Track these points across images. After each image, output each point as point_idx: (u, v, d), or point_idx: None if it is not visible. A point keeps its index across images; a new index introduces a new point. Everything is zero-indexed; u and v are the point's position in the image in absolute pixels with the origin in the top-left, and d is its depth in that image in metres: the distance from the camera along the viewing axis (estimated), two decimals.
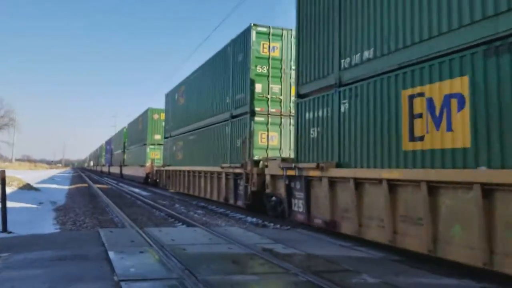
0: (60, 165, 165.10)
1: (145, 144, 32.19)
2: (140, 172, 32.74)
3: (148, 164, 30.27)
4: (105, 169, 67.02)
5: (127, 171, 41.35)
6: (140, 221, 11.96)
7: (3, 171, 9.56)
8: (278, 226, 10.87)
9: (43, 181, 34.81)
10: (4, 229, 8.93)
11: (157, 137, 31.16)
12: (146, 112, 33.24)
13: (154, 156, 30.66)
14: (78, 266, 5.29)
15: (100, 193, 22.16)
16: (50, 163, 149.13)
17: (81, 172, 75.22)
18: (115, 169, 52.94)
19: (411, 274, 5.49)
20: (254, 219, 12.30)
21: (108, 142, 66.43)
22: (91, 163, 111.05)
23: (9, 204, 9.80)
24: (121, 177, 44.94)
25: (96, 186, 29.24)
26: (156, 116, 31.98)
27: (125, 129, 46.76)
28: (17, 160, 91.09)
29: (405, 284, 4.90)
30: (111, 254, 5.97)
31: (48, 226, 11.14)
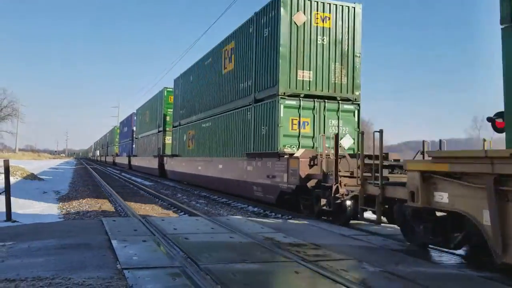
0: (63, 155, 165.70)
1: (274, 96, 12.12)
2: (275, 178, 11.80)
3: (304, 154, 10.59)
4: (122, 161, 47.78)
5: (181, 166, 22.45)
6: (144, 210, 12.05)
7: (7, 161, 9.64)
8: (279, 215, 10.93)
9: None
10: (9, 218, 9.03)
11: (304, 74, 12.15)
12: (274, 3, 12.48)
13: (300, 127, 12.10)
14: (82, 254, 5.36)
15: None
16: (54, 153, 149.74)
17: (86, 164, 59.57)
18: (141, 162, 34.19)
19: (410, 263, 5.54)
20: (256, 209, 12.37)
21: (126, 123, 47.59)
22: (97, 153, 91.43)
23: (13, 193, 9.88)
24: (160, 176, 26.86)
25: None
26: (301, 18, 12.17)
27: (165, 92, 28.08)
28: (20, 150, 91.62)
29: (405, 273, 4.94)
30: (114, 242, 6.04)
31: (52, 215, 11.25)
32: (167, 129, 27.51)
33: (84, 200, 14.42)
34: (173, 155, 24.29)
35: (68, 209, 12.34)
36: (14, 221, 8.95)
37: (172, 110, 26.00)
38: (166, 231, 7.10)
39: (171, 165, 24.65)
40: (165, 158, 26.26)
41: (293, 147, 11.68)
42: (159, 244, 6.07)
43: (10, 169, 10.17)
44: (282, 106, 11.77)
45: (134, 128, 40.40)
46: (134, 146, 40.15)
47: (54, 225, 8.18)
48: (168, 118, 27.51)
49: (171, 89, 26.93)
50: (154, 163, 28.58)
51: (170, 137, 26.01)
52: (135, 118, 40.35)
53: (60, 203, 13.88)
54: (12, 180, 15.79)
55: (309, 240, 6.73)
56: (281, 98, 11.72)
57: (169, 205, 13.33)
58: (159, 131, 28.88)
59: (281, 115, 11.75)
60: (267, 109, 12.55)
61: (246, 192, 13.65)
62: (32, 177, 23.69)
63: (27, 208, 12.00)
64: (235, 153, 14.89)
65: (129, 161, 41.32)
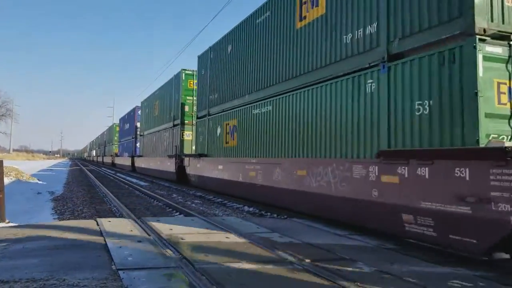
0: (58, 155, 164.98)
1: (455, 39, 6.29)
2: None
3: None
4: (122, 162, 42.98)
5: (215, 171, 15.93)
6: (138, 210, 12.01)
7: (1, 161, 9.57)
8: (275, 215, 10.93)
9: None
10: (3, 219, 8.96)
11: None
12: None
13: None
14: (76, 255, 5.33)
15: None
16: (48, 154, 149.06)
17: (81, 165, 55.19)
18: (150, 163, 28.52)
19: (406, 262, 5.55)
20: (251, 209, 12.36)
21: (127, 118, 42.28)
22: (93, 153, 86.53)
23: (7, 194, 9.81)
24: (178, 181, 21.12)
25: None
26: None
27: (183, 75, 22.43)
28: (14, 150, 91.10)
29: (400, 273, 4.95)
30: (109, 243, 6.01)
31: (47, 216, 11.18)
32: (186, 121, 22.18)
33: (79, 201, 14.35)
34: (199, 155, 17.84)
35: (63, 210, 12.27)
36: (8, 222, 8.89)
37: (192, 98, 21.31)
38: (162, 231, 7.08)
39: (197, 168, 18.20)
40: (186, 159, 20.03)
41: (503, 137, 6.05)
42: (155, 245, 6.05)
43: (4, 169, 10.10)
44: (480, 57, 5.98)
45: (138, 124, 34.81)
46: (138, 144, 34.86)
47: (49, 226, 8.12)
48: (187, 109, 22.24)
49: (191, 72, 21.96)
50: (169, 165, 22.69)
51: (190, 132, 21.50)
52: (139, 112, 34.69)
53: (55, 203, 13.81)
54: (6, 180, 15.69)
55: (305, 240, 6.73)
56: (479, 39, 5.95)
57: (164, 205, 13.30)
58: (174, 125, 23.22)
59: (480, 74, 5.94)
60: (429, 67, 6.60)
61: (380, 223, 7.27)
62: (27, 177, 23.56)
63: (21, 208, 11.93)
64: (339, 152, 8.69)
65: (132, 162, 35.81)
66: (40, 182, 22.88)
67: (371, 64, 7.90)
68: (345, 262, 5.38)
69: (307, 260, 5.33)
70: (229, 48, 15.46)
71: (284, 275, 4.75)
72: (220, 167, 15.45)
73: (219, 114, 16.17)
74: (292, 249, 6.03)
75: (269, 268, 5.02)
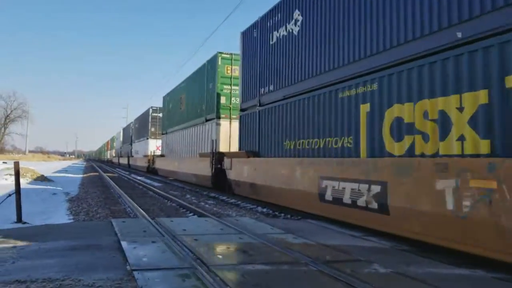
0: (73, 156, 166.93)
1: None
2: None
3: None
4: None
5: None
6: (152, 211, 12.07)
7: (17, 163, 9.70)
8: (288, 216, 10.89)
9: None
10: (19, 220, 9.09)
11: None
12: None
13: None
14: (91, 255, 5.37)
15: None
16: (63, 155, 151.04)
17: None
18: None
19: (422, 264, 5.47)
20: (265, 209, 12.34)
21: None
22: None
23: (23, 195, 9.95)
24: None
25: None
26: None
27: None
28: (30, 151, 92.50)
29: (416, 274, 4.88)
30: (123, 244, 6.05)
31: (62, 216, 11.29)
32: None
33: (93, 202, 14.48)
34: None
35: (78, 210, 12.39)
36: (25, 223, 9.00)
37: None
38: (176, 232, 7.10)
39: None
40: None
41: None
42: (169, 245, 6.07)
43: (21, 170, 10.24)
44: None
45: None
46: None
47: (64, 227, 8.22)
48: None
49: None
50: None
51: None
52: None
53: (70, 204, 13.95)
54: (23, 181, 15.92)
55: (319, 241, 6.68)
56: None
57: (178, 206, 13.35)
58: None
59: None
60: None
61: None
62: (42, 178, 23.86)
63: (37, 209, 12.07)
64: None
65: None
66: (56, 183, 23.14)
67: None
68: (360, 264, 5.32)
69: (322, 261, 5.29)
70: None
71: (299, 277, 4.71)
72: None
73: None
74: (307, 250, 6.00)
75: (283, 269, 4.99)
